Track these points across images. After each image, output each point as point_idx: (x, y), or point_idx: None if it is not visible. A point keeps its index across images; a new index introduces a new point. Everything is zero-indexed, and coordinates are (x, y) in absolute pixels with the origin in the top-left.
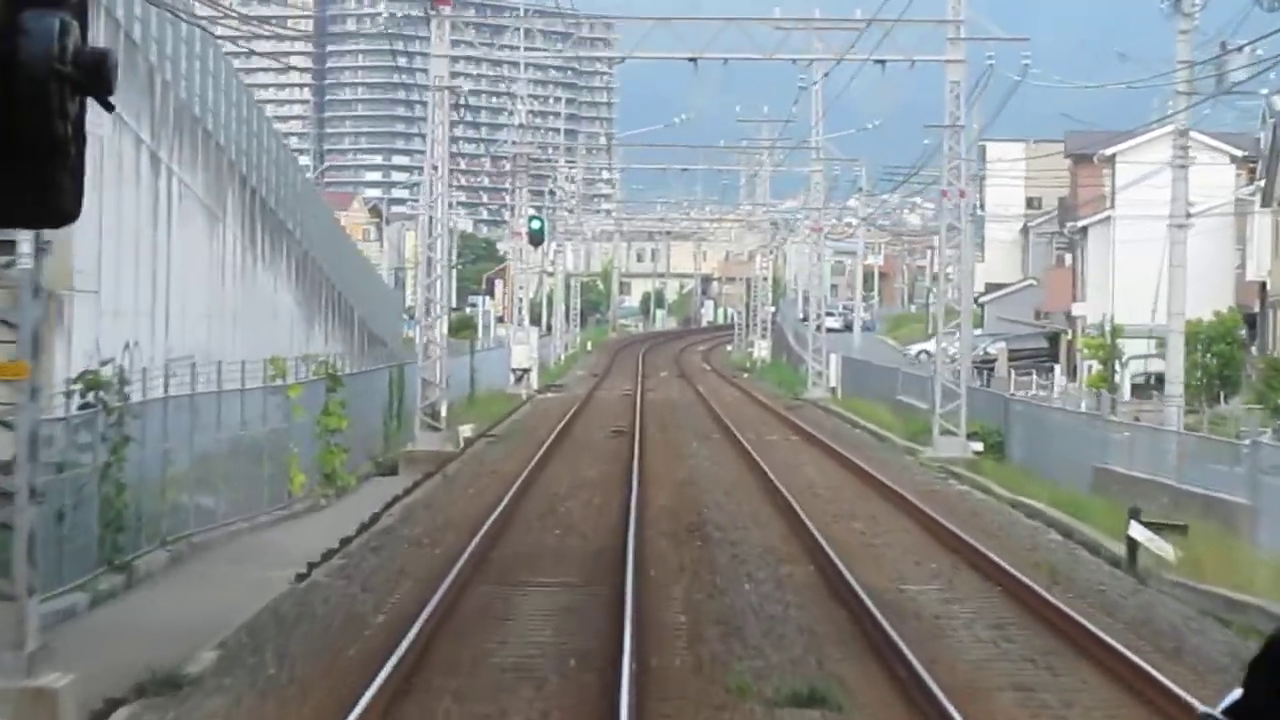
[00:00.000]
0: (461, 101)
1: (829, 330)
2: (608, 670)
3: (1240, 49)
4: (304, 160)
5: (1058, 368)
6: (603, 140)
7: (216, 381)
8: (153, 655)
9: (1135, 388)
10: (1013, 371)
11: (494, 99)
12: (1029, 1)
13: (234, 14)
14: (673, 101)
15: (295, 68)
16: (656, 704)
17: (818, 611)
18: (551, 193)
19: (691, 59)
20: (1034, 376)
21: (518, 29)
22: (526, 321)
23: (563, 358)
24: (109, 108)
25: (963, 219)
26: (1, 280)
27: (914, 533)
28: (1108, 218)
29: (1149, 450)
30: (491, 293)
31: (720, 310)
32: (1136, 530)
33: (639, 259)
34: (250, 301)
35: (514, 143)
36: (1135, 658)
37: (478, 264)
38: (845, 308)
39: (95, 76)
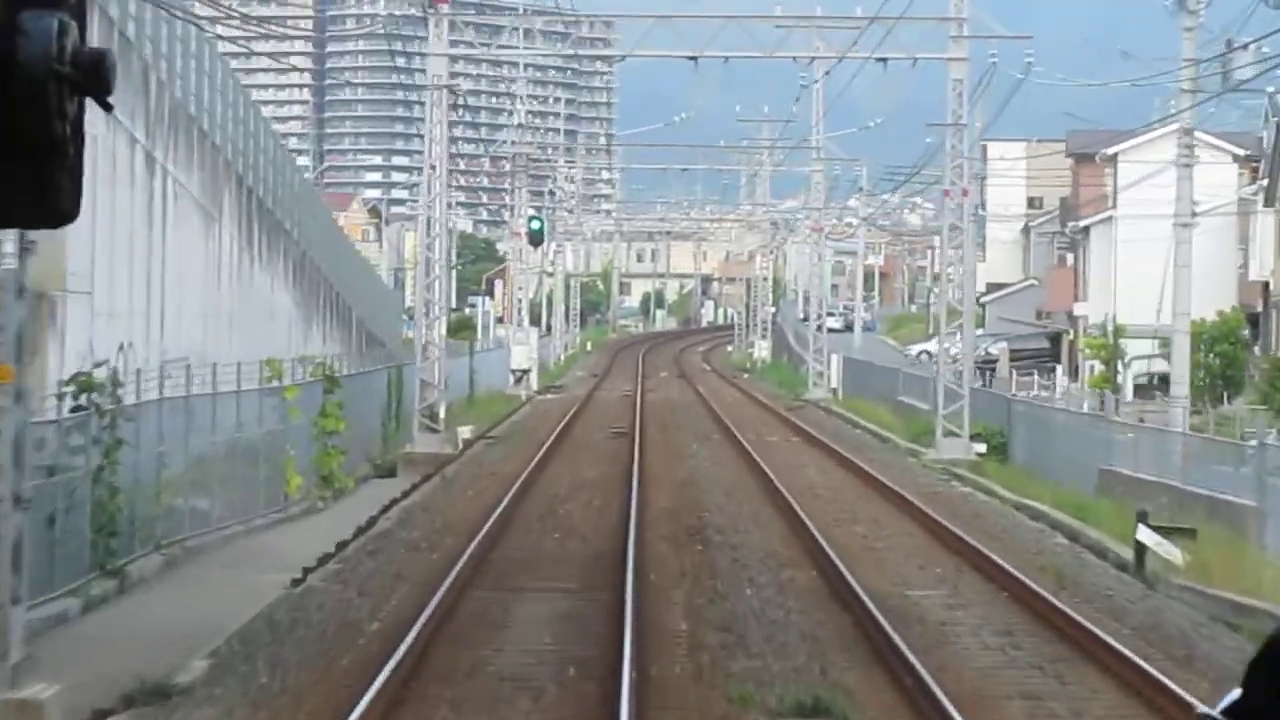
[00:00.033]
0: (460, 101)
1: (829, 330)
2: (607, 679)
3: (1245, 46)
4: (303, 160)
5: (1059, 368)
6: (602, 140)
7: (212, 383)
8: (143, 663)
9: (1138, 388)
10: (1014, 372)
11: (493, 99)
12: None
13: (234, 14)
14: (673, 100)
15: (295, 68)
16: (657, 714)
17: (820, 617)
18: (551, 193)
19: (692, 57)
20: (1036, 377)
21: (516, 28)
22: (526, 322)
23: (562, 358)
24: (107, 108)
25: (965, 218)
26: None
27: (917, 536)
28: (1110, 217)
29: (1154, 451)
30: (491, 293)
31: (720, 310)
32: (1145, 534)
33: (639, 259)
34: (247, 302)
35: (513, 142)
36: (1146, 665)
37: (477, 264)
38: (846, 308)
39: (94, 77)
